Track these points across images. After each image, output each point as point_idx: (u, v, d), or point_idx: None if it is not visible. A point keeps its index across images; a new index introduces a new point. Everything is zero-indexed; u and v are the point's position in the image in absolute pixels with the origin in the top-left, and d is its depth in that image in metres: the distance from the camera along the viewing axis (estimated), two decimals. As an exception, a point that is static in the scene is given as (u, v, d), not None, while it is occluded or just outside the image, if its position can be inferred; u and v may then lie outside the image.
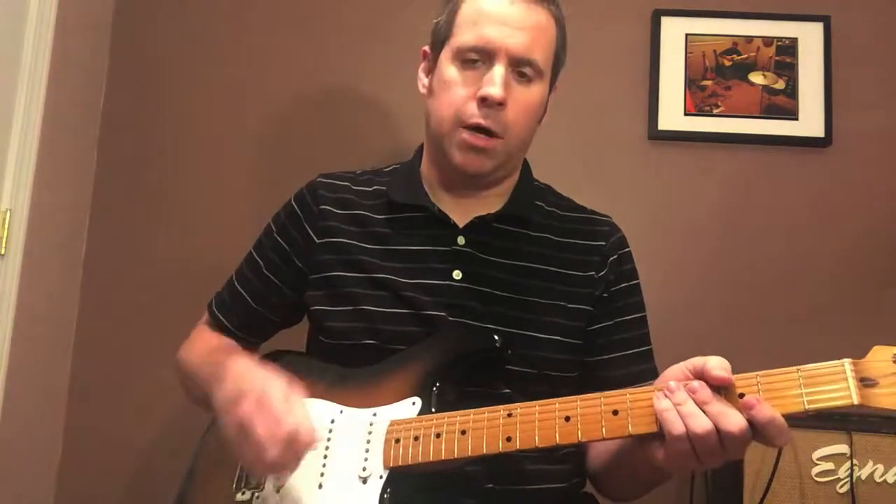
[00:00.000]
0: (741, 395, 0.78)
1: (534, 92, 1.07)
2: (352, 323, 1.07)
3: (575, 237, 1.13)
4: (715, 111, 1.78)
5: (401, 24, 1.81)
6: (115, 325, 1.80)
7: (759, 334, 1.70)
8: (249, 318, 1.21)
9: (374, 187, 1.16)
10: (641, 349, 1.14)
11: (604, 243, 1.13)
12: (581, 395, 0.85)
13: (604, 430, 0.82)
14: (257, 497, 0.95)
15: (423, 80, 1.14)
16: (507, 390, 1.03)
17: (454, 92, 1.05)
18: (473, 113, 1.03)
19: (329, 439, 0.97)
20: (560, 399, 0.86)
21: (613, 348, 1.11)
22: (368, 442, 0.93)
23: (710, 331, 1.71)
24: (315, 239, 1.13)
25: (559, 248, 1.11)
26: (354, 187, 1.17)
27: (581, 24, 1.83)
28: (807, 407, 0.76)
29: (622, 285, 1.13)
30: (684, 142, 1.78)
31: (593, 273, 1.11)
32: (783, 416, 0.76)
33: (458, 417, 0.89)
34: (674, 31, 1.81)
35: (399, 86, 1.71)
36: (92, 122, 1.85)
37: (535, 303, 1.07)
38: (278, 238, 1.18)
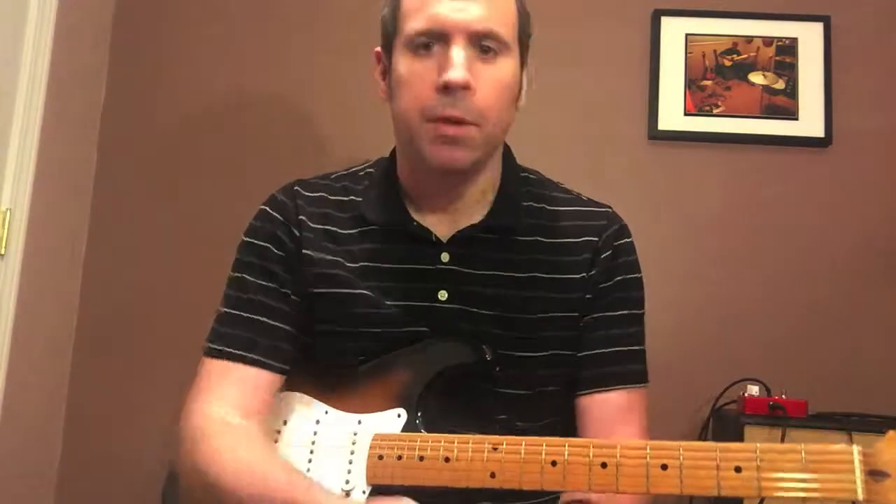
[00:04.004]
0: (738, 469, 0.74)
1: (503, 67, 0.95)
2: (331, 344, 1.01)
3: (567, 236, 1.04)
4: (715, 111, 1.78)
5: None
6: (115, 325, 1.80)
7: (758, 334, 1.69)
8: (287, 343, 1.02)
9: (350, 197, 1.05)
10: (628, 348, 1.04)
11: (596, 239, 1.03)
12: (570, 440, 0.82)
13: (591, 482, 0.79)
14: None
15: (381, 85, 1.03)
16: (499, 410, 1.00)
17: (414, 86, 0.94)
18: (438, 104, 0.91)
19: (314, 442, 0.95)
20: (548, 439, 0.82)
21: (595, 344, 1.03)
22: (352, 453, 0.91)
23: (710, 330, 1.71)
24: (303, 246, 1.02)
25: (551, 251, 1.02)
26: (330, 197, 1.06)
27: (581, 24, 1.85)
28: (807, 495, 0.71)
29: (616, 279, 1.04)
30: (684, 142, 1.78)
31: (584, 274, 1.02)
32: (778, 497, 0.72)
33: (443, 442, 0.86)
34: (674, 31, 1.81)
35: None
36: (92, 122, 1.85)
37: (527, 319, 1.00)
38: (273, 248, 1.03)
